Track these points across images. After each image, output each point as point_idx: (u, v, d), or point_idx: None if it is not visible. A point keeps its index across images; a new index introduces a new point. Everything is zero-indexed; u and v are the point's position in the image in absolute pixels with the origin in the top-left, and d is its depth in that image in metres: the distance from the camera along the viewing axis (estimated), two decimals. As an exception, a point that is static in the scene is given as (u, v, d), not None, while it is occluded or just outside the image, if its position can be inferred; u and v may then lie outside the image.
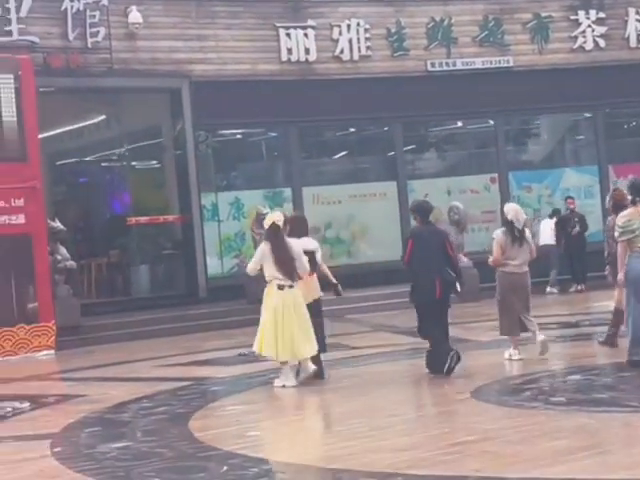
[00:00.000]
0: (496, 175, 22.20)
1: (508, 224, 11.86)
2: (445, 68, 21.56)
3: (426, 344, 13.06)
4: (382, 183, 21.93)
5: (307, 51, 20.76)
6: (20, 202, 16.26)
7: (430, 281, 11.20)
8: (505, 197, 22.01)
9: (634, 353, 10.54)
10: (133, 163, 22.30)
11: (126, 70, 19.32)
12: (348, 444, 8.16)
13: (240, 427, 9.25)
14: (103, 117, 21.95)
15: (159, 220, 20.51)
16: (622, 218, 10.80)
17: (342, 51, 21.01)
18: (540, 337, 11.72)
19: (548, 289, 20.43)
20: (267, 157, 21.99)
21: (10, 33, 18.27)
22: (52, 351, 16.33)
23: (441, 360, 11.01)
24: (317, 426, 9.12)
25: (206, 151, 20.68)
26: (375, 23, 21.27)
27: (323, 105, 20.76)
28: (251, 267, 11.36)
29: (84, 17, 18.90)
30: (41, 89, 17.12)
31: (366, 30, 21.18)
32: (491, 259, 11.94)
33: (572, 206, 20.89)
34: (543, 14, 22.01)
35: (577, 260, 20.42)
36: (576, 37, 22.14)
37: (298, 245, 11.13)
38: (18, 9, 18.33)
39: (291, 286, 11.02)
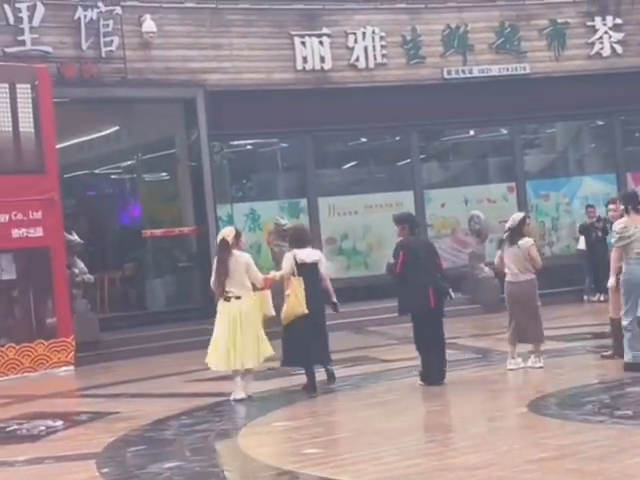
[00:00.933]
0: (514, 184, 21.89)
1: (512, 232, 12.05)
2: (461, 76, 21.25)
3: (464, 357, 12.96)
4: (398, 193, 21.57)
5: (322, 59, 20.44)
6: (38, 215, 15.90)
7: (424, 290, 11.37)
8: (523, 206, 21.73)
9: (631, 356, 10.99)
10: (146, 174, 21.94)
11: (140, 80, 18.96)
12: (414, 462, 7.82)
13: (294, 444, 8.90)
14: (116, 128, 21.60)
15: (174, 232, 20.11)
16: (618, 225, 11.29)
17: (357, 59, 20.69)
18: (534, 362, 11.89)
19: (585, 297, 20.15)
20: (282, 167, 21.62)
21: (23, 43, 17.88)
22: (71, 367, 15.96)
23: (434, 372, 11.40)
24: (374, 442, 8.72)
25: (221, 162, 20.34)
26: (390, 31, 20.96)
27: (339, 114, 20.42)
28: (212, 281, 11.69)
29: (98, 26, 18.54)
30: (54, 99, 16.75)
31: (381, 38, 20.86)
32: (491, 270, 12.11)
33: (594, 215, 20.57)
34: (559, 20, 21.72)
35: (601, 268, 20.06)
36: (593, 43, 21.86)
37: (245, 258, 11.59)
38: (31, 18, 17.96)
39: (238, 297, 11.45)
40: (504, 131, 22.43)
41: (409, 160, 21.66)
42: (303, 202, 20.78)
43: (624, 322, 11.15)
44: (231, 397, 11.48)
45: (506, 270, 12.07)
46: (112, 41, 18.66)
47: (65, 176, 18.40)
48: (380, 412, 10.25)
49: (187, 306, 19.79)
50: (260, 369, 12.10)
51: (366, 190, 21.61)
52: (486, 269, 19.82)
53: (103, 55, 18.56)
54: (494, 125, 22.32)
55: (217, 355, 11.55)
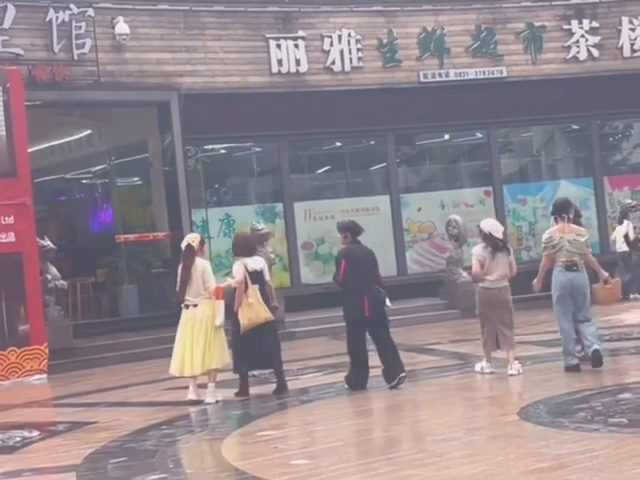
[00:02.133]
0: (491, 188, 21.75)
1: (487, 237, 11.98)
2: (438, 79, 21.11)
3: (446, 363, 12.80)
4: (375, 197, 21.42)
5: (298, 62, 20.21)
6: (10, 220, 15.58)
7: (360, 299, 11.59)
8: (500, 210, 21.63)
9: (569, 359, 11.51)
10: (119, 179, 21.61)
11: (113, 83, 18.67)
12: (409, 473, 7.57)
13: (281, 455, 8.62)
14: (88, 131, 21.25)
15: (148, 238, 19.82)
16: (546, 234, 11.75)
17: (333, 62, 20.49)
18: (513, 369, 11.80)
19: (631, 295, 20.00)
20: (257, 171, 21.35)
21: (-6, 45, 17.58)
22: (45, 375, 15.63)
23: (362, 380, 11.62)
24: (365, 452, 8.48)
25: (195, 166, 20.03)
26: (366, 34, 20.77)
27: (314, 117, 20.23)
28: (177, 288, 11.86)
29: (70, 28, 18.22)
30: (26, 103, 16.40)
31: (357, 41, 20.68)
32: (469, 274, 12.36)
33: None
34: (536, 24, 21.62)
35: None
36: (569, 47, 21.77)
37: (202, 265, 11.73)
38: (1, 20, 17.64)
39: (195, 305, 11.66)
40: (481, 135, 22.28)
41: (385, 164, 21.49)
42: (279, 207, 20.55)
43: (558, 326, 11.68)
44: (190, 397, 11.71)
45: (487, 276, 11.96)
46: (84, 43, 18.36)
47: (36, 180, 18.05)
48: (367, 421, 10.02)
49: (161, 312, 19.41)
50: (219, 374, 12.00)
51: (342, 194, 21.43)
52: (464, 274, 19.63)
53: (75, 58, 18.26)
54: (471, 129, 22.18)
55: (176, 361, 11.81)
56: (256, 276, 11.92)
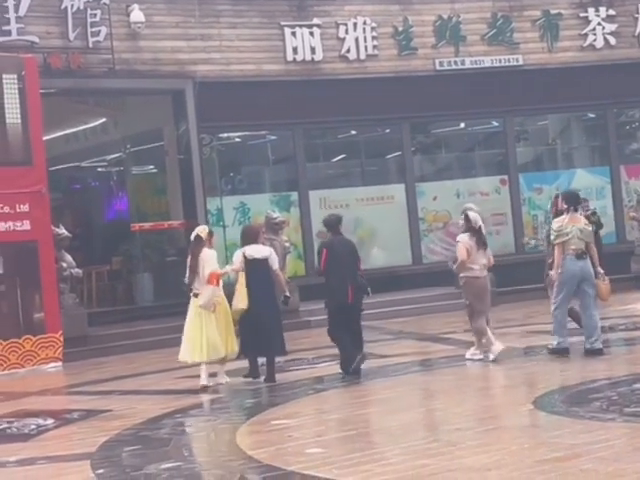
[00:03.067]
0: (506, 177, 21.66)
1: (476, 230, 12.38)
2: (453, 67, 20.99)
3: (461, 352, 12.79)
4: (390, 186, 21.35)
5: (313, 50, 20.14)
6: (25, 207, 15.57)
7: (343, 287, 12.05)
8: (515, 199, 21.57)
9: (560, 341, 11.88)
10: (134, 167, 21.59)
11: (128, 71, 18.62)
12: (422, 462, 7.55)
13: (295, 443, 8.62)
14: (104, 119, 21.24)
15: (163, 226, 19.81)
16: (557, 223, 12.06)
17: (348, 50, 20.40)
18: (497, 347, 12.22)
19: None
20: (272, 160, 21.31)
21: (9, 33, 17.53)
22: (60, 363, 15.65)
23: (349, 361, 11.93)
24: (379, 441, 8.48)
25: (210, 154, 20.01)
26: (382, 21, 20.68)
27: (330, 106, 20.14)
28: (187, 276, 12.33)
29: (85, 16, 18.19)
30: (41, 90, 16.40)
31: (373, 29, 20.58)
32: (457, 264, 12.43)
33: (587, 208, 20.28)
34: (552, 11, 21.46)
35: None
36: (586, 35, 21.61)
37: (208, 256, 12.15)
38: (17, 8, 17.59)
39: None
40: (496, 123, 22.17)
41: (400, 152, 21.40)
42: (294, 195, 20.51)
43: (553, 310, 12.03)
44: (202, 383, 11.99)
45: (473, 265, 12.33)
46: (99, 31, 18.32)
47: (51, 169, 18.04)
48: (382, 410, 9.99)
49: (176, 300, 19.38)
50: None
51: (357, 183, 21.38)
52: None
53: (90, 45, 18.22)
54: (487, 117, 22.06)
55: (185, 348, 12.17)
56: (256, 264, 12.19)
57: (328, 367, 12.89)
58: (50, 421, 10.70)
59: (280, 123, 20.31)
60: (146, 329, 17.51)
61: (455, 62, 21.00)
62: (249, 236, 12.62)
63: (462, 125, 22.29)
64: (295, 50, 20.02)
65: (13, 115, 15.65)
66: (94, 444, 9.21)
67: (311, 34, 20.16)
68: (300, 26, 20.11)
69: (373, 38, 20.57)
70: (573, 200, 12.29)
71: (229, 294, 12.40)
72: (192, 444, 9.11)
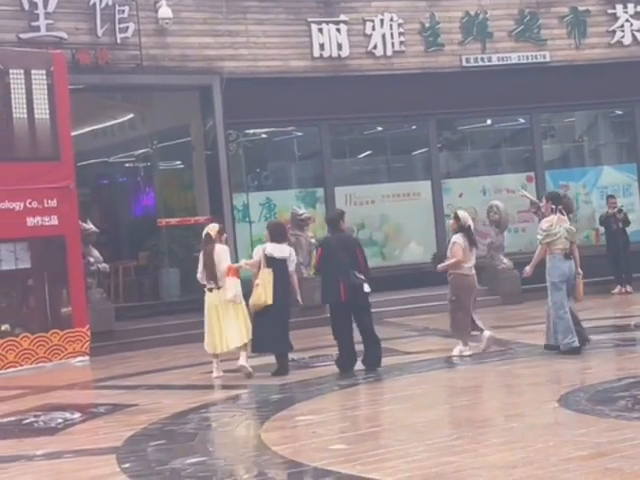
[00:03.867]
0: (532, 174, 21.61)
1: (466, 230, 12.81)
2: (480, 64, 20.98)
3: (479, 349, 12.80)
4: (416, 182, 21.37)
5: (339, 47, 20.17)
6: (53, 203, 15.66)
7: (336, 284, 12.16)
8: (542, 196, 21.43)
9: (570, 340, 12.01)
10: (161, 163, 21.70)
11: (155, 67, 18.74)
12: (447, 459, 7.56)
13: (320, 440, 8.64)
14: (131, 115, 21.34)
15: (190, 221, 19.89)
16: (546, 223, 12.33)
17: (375, 46, 20.42)
18: (487, 333, 12.82)
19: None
20: (299, 156, 21.36)
21: (38, 29, 17.67)
22: (87, 357, 15.74)
23: (349, 360, 12.18)
24: (403, 438, 8.47)
25: (237, 150, 20.07)
26: (408, 18, 20.69)
27: (356, 102, 20.16)
28: (198, 272, 12.84)
29: (113, 12, 18.30)
30: (69, 86, 16.48)
31: (399, 25, 20.59)
32: (451, 262, 12.79)
33: (615, 206, 20.26)
34: (580, 8, 21.40)
35: (622, 260, 19.82)
36: (614, 31, 21.54)
37: (221, 251, 12.60)
38: (45, 4, 17.72)
39: (218, 288, 12.53)
40: (523, 120, 22.12)
41: (426, 149, 21.41)
42: (320, 191, 20.55)
43: (556, 311, 12.21)
44: (214, 375, 12.55)
45: (464, 264, 12.77)
46: (127, 27, 18.43)
47: (79, 164, 18.17)
48: (407, 406, 10.01)
49: (202, 296, 19.47)
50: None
51: (383, 179, 21.41)
52: (505, 260, 19.58)
53: (118, 41, 18.33)
54: (513, 114, 22.03)
55: (207, 339, 12.72)
56: (274, 262, 12.42)
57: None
58: (77, 415, 10.78)
59: (306, 119, 20.35)
60: (172, 324, 17.59)
61: (482, 59, 20.99)
62: (277, 233, 12.82)
63: (488, 122, 22.28)
64: (322, 46, 20.05)
65: (42, 111, 15.74)
66: (120, 438, 9.27)
67: (338, 30, 20.19)
68: (327, 22, 20.14)
69: (400, 34, 20.58)
70: (558, 200, 12.59)
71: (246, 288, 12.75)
72: (217, 439, 9.15)
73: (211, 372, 12.76)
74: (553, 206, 12.41)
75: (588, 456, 7.31)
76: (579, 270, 12.44)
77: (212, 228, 13.02)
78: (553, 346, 12.28)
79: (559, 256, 12.15)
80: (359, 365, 12.34)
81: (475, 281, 13.01)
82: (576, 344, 12.06)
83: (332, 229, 12.91)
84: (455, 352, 12.80)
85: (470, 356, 12.60)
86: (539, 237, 12.40)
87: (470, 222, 12.90)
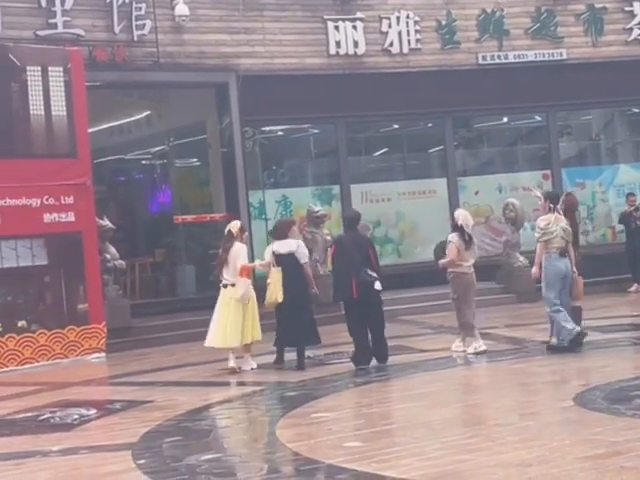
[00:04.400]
0: (549, 171, 21.57)
1: (459, 229, 12.98)
2: (497, 61, 20.95)
3: (501, 347, 12.81)
4: (431, 180, 21.35)
5: (356, 44, 20.16)
6: (70, 199, 15.71)
7: (348, 282, 12.38)
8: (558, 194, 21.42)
9: (570, 334, 12.13)
10: (178, 160, 21.74)
11: (172, 64, 18.76)
12: (462, 457, 7.56)
13: (334, 437, 8.65)
14: (148, 112, 21.38)
15: (206, 219, 19.94)
16: (543, 221, 12.47)
17: (391, 44, 20.41)
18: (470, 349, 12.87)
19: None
20: (315, 153, 21.36)
21: (55, 26, 17.71)
22: (103, 354, 15.78)
23: (364, 356, 12.38)
24: (418, 436, 8.47)
25: (253, 147, 20.09)
26: (425, 15, 20.67)
27: (372, 99, 20.14)
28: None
29: (130, 9, 18.33)
30: (86, 83, 16.52)
31: (416, 22, 20.57)
32: (445, 260, 13.02)
33: (633, 204, 20.21)
34: (597, 5, 21.34)
35: (639, 258, 19.76)
36: (631, 29, 21.46)
37: (239, 250, 12.84)
38: (63, 1, 17.75)
39: (232, 284, 12.81)
40: (539, 118, 22.08)
41: (442, 147, 21.39)
42: (335, 189, 20.55)
43: (552, 310, 12.35)
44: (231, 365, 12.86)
45: (462, 262, 12.97)
46: (144, 25, 18.47)
47: (96, 161, 18.21)
48: (422, 404, 10.01)
49: (218, 293, 19.53)
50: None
51: (399, 177, 21.40)
52: (521, 258, 19.54)
53: (135, 39, 18.37)
54: (530, 112, 21.98)
55: (211, 334, 12.96)
56: (283, 259, 12.73)
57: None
58: (92, 411, 10.82)
59: (322, 117, 20.35)
60: (188, 321, 17.59)
61: (498, 56, 20.95)
62: (277, 231, 13.26)
63: (505, 119, 22.25)
64: (338, 44, 20.05)
65: (59, 108, 15.80)
66: (135, 434, 9.30)
67: (354, 28, 20.19)
68: (343, 20, 20.13)
69: (416, 32, 20.56)
70: (556, 200, 12.76)
71: (260, 287, 13.11)
72: (232, 436, 9.17)
73: (227, 370, 12.81)
74: (551, 205, 12.57)
75: (604, 455, 7.30)
76: (574, 269, 12.58)
77: (234, 225, 13.25)
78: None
79: (555, 254, 12.33)
80: (374, 362, 12.39)
81: (473, 279, 13.13)
82: (566, 344, 12.22)
83: (348, 228, 13.14)
84: (470, 350, 12.88)
85: (485, 352, 12.72)
86: (536, 235, 12.61)
87: (462, 221, 12.99)
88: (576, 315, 12.75)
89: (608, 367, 11.19)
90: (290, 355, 13.03)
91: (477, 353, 12.74)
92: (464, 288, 13.01)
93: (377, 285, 12.46)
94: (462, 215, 13.18)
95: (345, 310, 12.81)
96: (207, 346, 13.07)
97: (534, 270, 12.74)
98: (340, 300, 12.88)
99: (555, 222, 12.40)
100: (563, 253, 12.36)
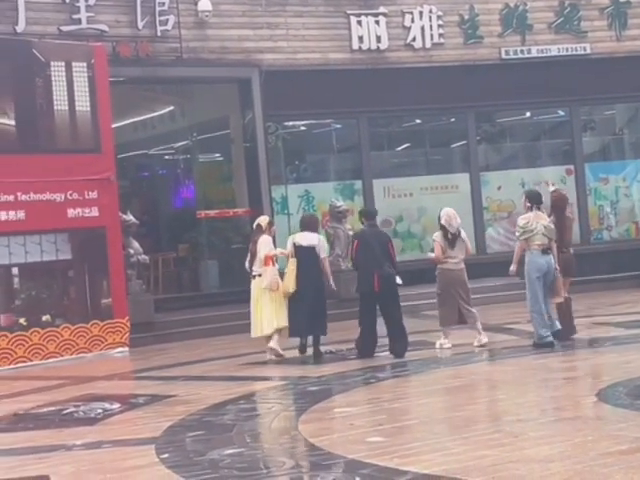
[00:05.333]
0: (572, 166, 21.51)
1: (443, 228, 13.35)
2: (520, 56, 20.92)
3: (524, 343, 12.79)
4: (454, 175, 21.34)
5: (378, 39, 20.18)
6: (94, 194, 15.80)
7: (370, 275, 12.76)
8: (581, 189, 21.41)
9: (545, 334, 12.47)
10: (201, 155, 21.80)
11: (195, 59, 18.84)
12: (484, 453, 7.55)
13: (357, 432, 8.66)
14: (171, 108, 21.46)
15: (229, 213, 19.99)
16: (523, 220, 12.85)
17: (414, 39, 20.41)
18: (484, 339, 13.14)
19: None
20: (337, 148, 21.37)
21: (79, 21, 17.82)
22: (126, 348, 15.87)
23: (370, 346, 12.84)
24: (440, 431, 8.49)
25: (275, 143, 20.12)
26: (448, 10, 20.66)
27: (394, 94, 20.15)
28: (247, 261, 13.61)
29: (153, 5, 18.41)
30: (110, 79, 16.59)
31: (439, 17, 20.57)
32: (432, 256, 13.48)
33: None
34: (621, -1, 21.30)
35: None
36: (655, 23, 21.41)
37: (265, 242, 13.32)
38: (87, -3, 17.86)
39: (260, 275, 13.31)
40: (562, 112, 22.02)
41: (465, 142, 21.37)
42: (358, 184, 20.57)
43: (531, 307, 12.69)
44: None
45: (449, 259, 13.29)
46: (167, 20, 18.53)
47: (119, 156, 18.30)
48: (444, 399, 10.03)
49: (241, 288, 19.56)
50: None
51: (421, 172, 21.39)
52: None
53: (158, 34, 18.44)
54: (553, 106, 21.95)
55: (252, 325, 13.50)
56: (303, 251, 13.21)
57: (390, 356, 12.94)
58: (116, 405, 10.86)
59: (345, 112, 20.38)
60: (211, 315, 17.69)
61: (521, 51, 20.93)
62: (309, 224, 13.66)
63: (528, 114, 22.21)
64: (361, 39, 20.07)
65: (83, 103, 15.87)
66: (158, 429, 9.32)
67: (377, 23, 20.19)
68: (366, 15, 20.15)
69: (439, 27, 20.56)
70: (536, 199, 13.00)
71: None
72: (255, 430, 9.18)
73: (250, 364, 12.91)
74: (529, 204, 12.88)
75: (627, 450, 7.28)
76: (557, 266, 12.80)
77: (263, 219, 13.86)
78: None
79: (536, 251, 12.59)
80: (388, 357, 12.57)
81: (460, 275, 13.35)
82: (550, 339, 12.48)
83: (368, 222, 13.47)
84: (436, 345, 13.29)
85: (450, 349, 13.08)
86: (517, 234, 12.99)
87: (444, 221, 13.32)
88: (565, 310, 13.07)
89: (631, 363, 11.14)
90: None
91: (442, 349, 13.15)
92: (447, 284, 13.33)
93: (398, 280, 12.90)
94: (445, 214, 13.43)
95: (362, 300, 13.09)
96: (254, 337, 13.61)
97: (512, 268, 13.10)
98: (362, 292, 13.08)
99: (535, 220, 12.69)
100: (545, 250, 12.60)
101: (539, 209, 12.90)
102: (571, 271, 13.62)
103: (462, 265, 13.42)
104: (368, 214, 13.86)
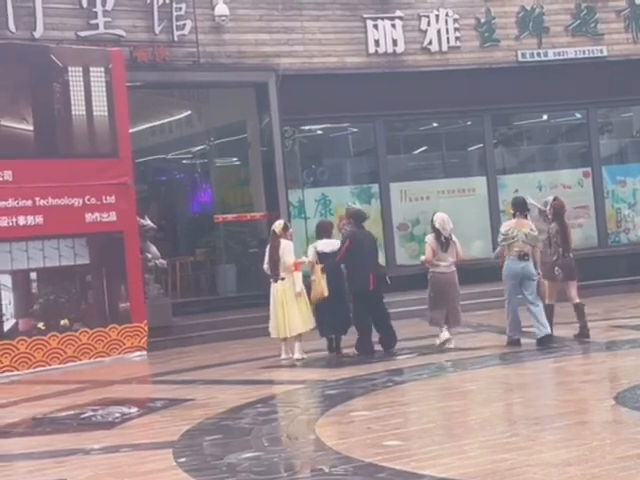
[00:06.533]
0: (589, 169, 21.46)
1: (436, 231, 13.70)
2: (536, 59, 20.89)
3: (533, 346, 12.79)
4: (471, 178, 21.32)
5: (395, 43, 20.18)
6: (111, 199, 15.87)
7: (365, 275, 13.43)
8: (599, 192, 21.36)
9: (513, 334, 13.30)
10: (218, 159, 21.83)
11: (212, 64, 18.88)
12: (501, 457, 7.56)
13: (374, 435, 8.68)
14: (188, 112, 21.52)
15: (246, 218, 20.02)
16: (505, 227, 13.61)
17: (430, 42, 20.41)
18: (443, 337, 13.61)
19: None
20: (354, 152, 21.39)
21: (96, 27, 17.87)
22: (144, 352, 15.93)
23: (368, 346, 13.50)
24: (457, 435, 8.49)
25: (292, 146, 20.16)
26: (464, 13, 20.65)
27: (411, 98, 20.16)
28: (265, 265, 14.03)
29: (170, 10, 18.47)
30: (127, 83, 16.66)
31: (455, 20, 20.57)
32: (423, 258, 13.87)
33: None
34: (637, 1, 21.24)
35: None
36: (672, 25, 21.35)
37: (286, 246, 13.73)
38: (104, 2, 17.91)
39: (282, 279, 13.68)
40: (579, 115, 21.98)
41: (482, 145, 21.34)
42: (375, 187, 20.57)
43: (506, 306, 13.41)
44: (282, 357, 13.81)
45: (440, 263, 13.62)
46: (184, 25, 18.59)
47: (137, 161, 18.36)
48: (461, 403, 10.03)
49: (258, 292, 19.59)
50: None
51: (438, 175, 21.37)
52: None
53: (175, 39, 18.50)
54: (570, 109, 21.90)
55: (272, 325, 13.85)
56: (327, 257, 13.78)
57: (407, 359, 12.97)
58: (134, 409, 10.91)
59: (362, 115, 20.38)
60: (229, 319, 17.72)
61: (538, 53, 20.90)
62: (321, 231, 14.30)
63: (544, 117, 22.16)
64: (377, 42, 20.08)
65: (100, 108, 15.96)
66: (176, 433, 9.36)
67: (393, 26, 20.21)
68: (382, 18, 20.16)
69: (455, 30, 20.55)
70: (520, 206, 13.60)
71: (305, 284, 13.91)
72: (272, 434, 9.20)
73: (267, 368, 12.91)
74: (512, 211, 13.68)
75: (645, 454, 7.28)
76: (539, 271, 13.43)
77: (277, 225, 14.12)
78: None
79: (513, 257, 13.24)
80: (405, 360, 12.69)
81: (451, 278, 13.66)
82: (517, 337, 13.27)
83: (358, 225, 14.04)
84: (437, 342, 13.65)
85: (450, 339, 13.56)
86: (499, 239, 13.61)
87: (438, 224, 13.65)
88: (548, 313, 13.53)
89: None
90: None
91: (443, 343, 13.55)
92: (439, 287, 13.65)
93: (387, 279, 13.94)
94: (439, 218, 13.76)
95: (355, 301, 13.70)
96: (271, 335, 13.96)
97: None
98: (358, 290, 13.58)
99: (516, 227, 13.30)
100: (522, 256, 13.17)
101: (526, 217, 13.49)
102: (573, 274, 13.69)
103: (453, 268, 13.76)
104: (359, 219, 14.22)
